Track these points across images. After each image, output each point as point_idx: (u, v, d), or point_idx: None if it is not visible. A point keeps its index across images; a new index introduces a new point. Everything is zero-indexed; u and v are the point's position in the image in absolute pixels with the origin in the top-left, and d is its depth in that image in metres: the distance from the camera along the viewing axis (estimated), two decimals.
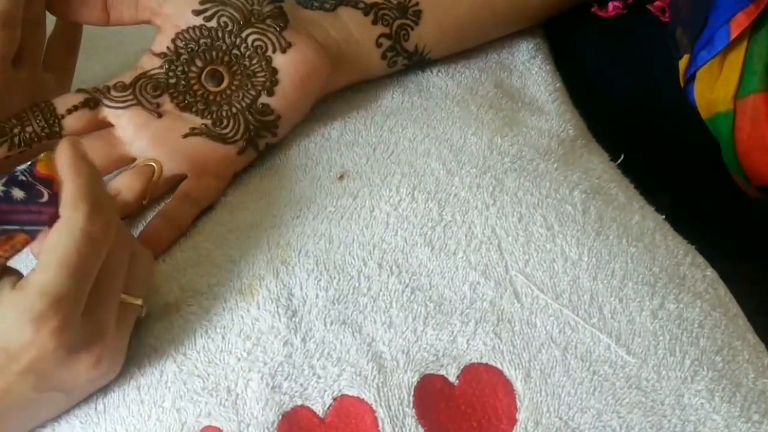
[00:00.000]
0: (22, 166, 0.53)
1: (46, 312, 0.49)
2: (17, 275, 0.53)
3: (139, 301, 0.56)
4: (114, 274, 0.54)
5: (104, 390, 0.57)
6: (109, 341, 0.53)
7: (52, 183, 0.53)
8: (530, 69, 0.76)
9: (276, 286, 0.59)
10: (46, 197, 0.53)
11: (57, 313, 0.50)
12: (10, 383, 0.51)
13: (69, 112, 0.64)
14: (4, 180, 0.53)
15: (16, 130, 0.63)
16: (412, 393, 0.55)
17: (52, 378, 0.52)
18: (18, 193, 0.53)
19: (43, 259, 0.51)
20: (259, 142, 0.67)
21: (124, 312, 0.56)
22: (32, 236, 0.53)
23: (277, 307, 0.58)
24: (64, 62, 0.72)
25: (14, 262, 0.54)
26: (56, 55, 0.71)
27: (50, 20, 0.69)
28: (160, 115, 0.65)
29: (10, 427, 0.55)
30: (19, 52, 0.65)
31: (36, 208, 0.53)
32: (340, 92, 0.72)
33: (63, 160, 0.53)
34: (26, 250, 0.54)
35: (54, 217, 0.53)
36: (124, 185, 0.64)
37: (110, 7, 0.66)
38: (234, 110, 0.66)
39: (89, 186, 0.52)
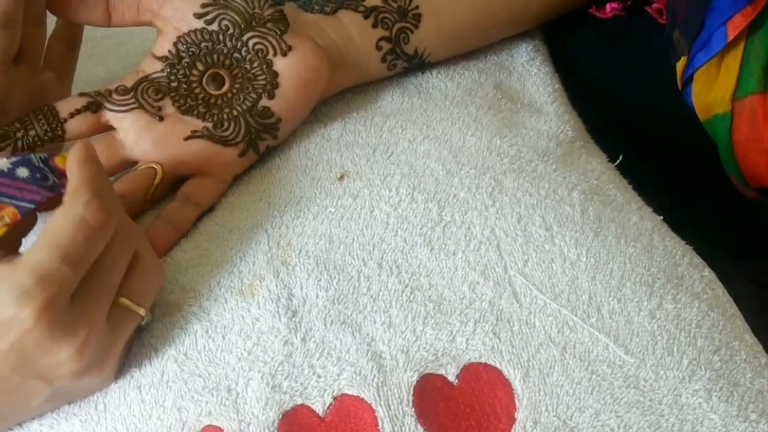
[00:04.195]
0: (40, 154, 0.56)
1: (32, 289, 0.49)
2: (17, 255, 0.53)
3: (141, 311, 0.56)
4: (109, 267, 0.54)
5: (105, 389, 0.57)
6: (95, 335, 0.53)
7: (62, 175, 0.55)
8: (529, 70, 0.76)
9: (276, 286, 0.59)
10: (50, 182, 0.55)
11: (42, 292, 0.50)
12: None
13: (71, 115, 0.65)
14: (15, 159, 0.55)
15: (19, 134, 0.64)
16: (412, 392, 0.55)
17: (33, 362, 0.52)
18: (23, 172, 0.55)
19: (39, 240, 0.51)
20: (260, 145, 0.67)
21: (122, 317, 0.56)
22: (22, 212, 0.54)
23: (278, 307, 0.58)
24: (65, 61, 0.72)
25: None
26: (57, 54, 0.71)
27: (51, 19, 0.69)
28: (161, 119, 0.66)
29: None
30: (19, 52, 0.66)
31: (35, 189, 0.54)
32: (340, 93, 0.73)
33: (73, 157, 0.54)
34: None
35: (51, 202, 0.54)
36: (126, 188, 0.64)
37: (112, 8, 0.66)
38: (235, 113, 0.67)
39: (93, 179, 0.53)
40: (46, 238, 0.51)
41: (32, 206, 0.54)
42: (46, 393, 0.54)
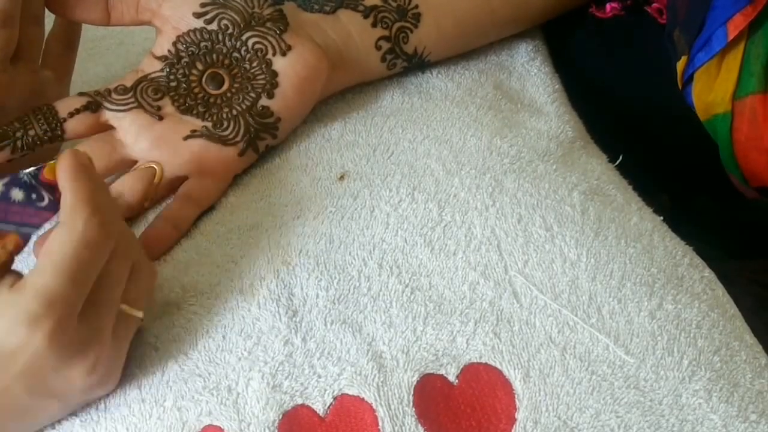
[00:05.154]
0: (29, 170, 0.54)
1: (40, 314, 0.49)
2: (17, 276, 0.52)
3: (139, 314, 0.56)
4: (113, 281, 0.54)
5: None
6: (106, 349, 0.53)
7: (55, 190, 0.54)
8: (529, 71, 0.76)
9: (277, 286, 0.59)
10: (46, 202, 0.54)
11: (52, 316, 0.49)
12: (3, 386, 0.51)
13: (71, 115, 0.65)
14: (6, 180, 0.53)
15: (18, 134, 0.63)
16: (412, 392, 0.55)
17: (46, 383, 0.51)
18: (17, 194, 0.53)
19: (41, 261, 0.50)
20: (259, 144, 0.67)
21: (123, 323, 0.55)
22: (24, 238, 0.53)
23: (278, 306, 0.58)
24: (63, 60, 0.71)
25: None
26: (55, 53, 0.71)
27: (49, 17, 0.69)
28: (161, 118, 0.66)
29: None
30: (17, 50, 0.65)
31: (33, 212, 0.54)
32: (340, 93, 0.73)
33: (63, 171, 0.53)
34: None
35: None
36: (125, 188, 0.64)
37: (111, 7, 0.66)
38: (234, 112, 0.66)
39: (89, 192, 0.52)
40: (50, 260, 0.50)
41: (34, 230, 0.54)
42: (56, 408, 0.54)
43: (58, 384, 0.52)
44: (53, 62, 0.70)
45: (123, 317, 0.55)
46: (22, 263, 0.55)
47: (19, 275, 0.53)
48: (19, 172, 0.54)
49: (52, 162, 0.54)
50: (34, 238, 0.56)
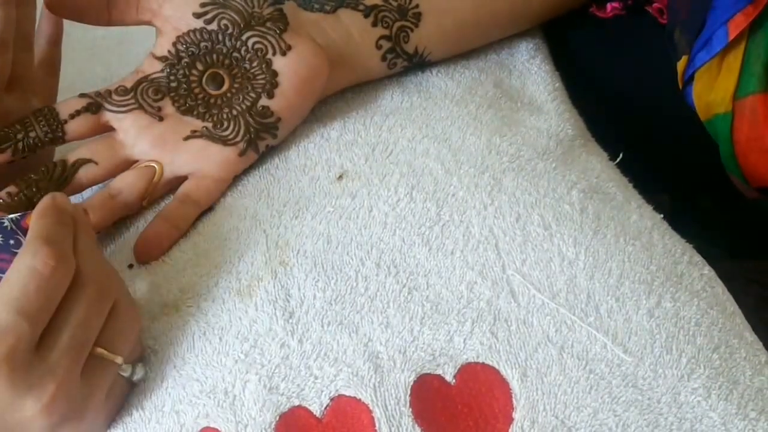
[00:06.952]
0: (13, 215, 0.54)
1: None
2: None
3: (118, 359, 0.54)
4: (83, 323, 0.52)
5: None
6: (65, 389, 0.50)
7: None
8: (529, 69, 0.76)
9: (274, 287, 0.59)
10: (23, 247, 0.53)
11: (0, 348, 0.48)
12: None
13: (71, 116, 0.65)
14: None
15: (19, 136, 0.64)
16: (409, 393, 0.55)
17: (2, 417, 0.50)
18: None
19: None
20: (260, 144, 0.67)
21: (98, 367, 0.54)
22: None
23: (275, 309, 0.58)
24: (46, 85, 0.71)
25: None
26: (39, 79, 0.69)
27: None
28: (161, 119, 0.66)
29: None
30: (11, 78, 0.65)
31: (8, 257, 0.53)
32: (340, 92, 0.73)
33: (34, 213, 0.52)
34: None
35: None
36: (124, 185, 0.64)
37: (111, 7, 0.66)
38: (234, 113, 0.67)
39: (48, 227, 0.52)
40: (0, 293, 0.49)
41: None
42: None
43: (13, 420, 0.50)
44: (37, 88, 0.69)
45: (99, 361, 0.54)
46: None
47: None
48: (2, 217, 0.54)
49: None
50: None
